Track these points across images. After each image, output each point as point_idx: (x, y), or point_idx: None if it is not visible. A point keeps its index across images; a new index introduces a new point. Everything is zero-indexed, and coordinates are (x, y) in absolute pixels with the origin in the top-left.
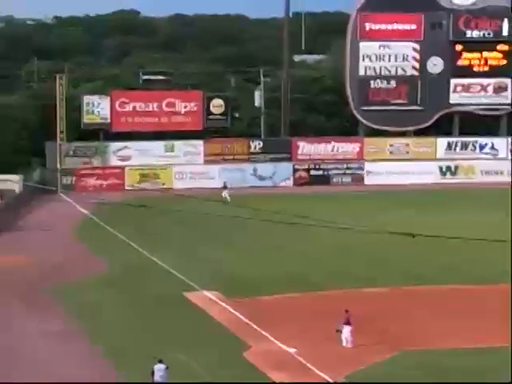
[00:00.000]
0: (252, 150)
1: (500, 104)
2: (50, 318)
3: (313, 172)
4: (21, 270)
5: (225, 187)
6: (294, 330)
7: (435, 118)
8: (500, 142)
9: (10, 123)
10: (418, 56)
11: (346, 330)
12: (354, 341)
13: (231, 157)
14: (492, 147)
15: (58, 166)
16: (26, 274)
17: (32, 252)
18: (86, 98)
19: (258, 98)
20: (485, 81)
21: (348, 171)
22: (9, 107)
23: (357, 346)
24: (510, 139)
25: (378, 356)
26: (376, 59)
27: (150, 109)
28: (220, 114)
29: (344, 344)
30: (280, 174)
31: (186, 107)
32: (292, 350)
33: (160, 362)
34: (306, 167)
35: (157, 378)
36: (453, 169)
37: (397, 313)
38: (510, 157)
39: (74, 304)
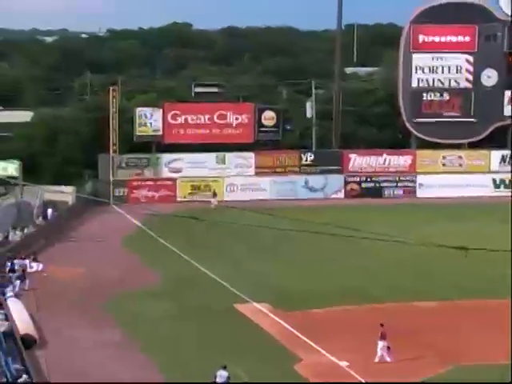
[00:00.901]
0: (303, 161)
1: None
2: (104, 330)
3: (364, 184)
4: (75, 281)
5: (214, 194)
6: (346, 343)
7: (489, 130)
8: None
9: (63, 135)
10: (471, 68)
11: (381, 345)
12: (390, 356)
13: (282, 169)
14: None
15: (111, 177)
16: (81, 285)
17: (85, 263)
18: (139, 111)
19: (309, 110)
20: None
21: (400, 184)
22: (61, 119)
23: (406, 360)
24: None
25: (429, 370)
26: (429, 71)
27: (202, 121)
28: (271, 126)
29: (377, 360)
30: (331, 186)
31: (237, 119)
32: (344, 364)
33: (224, 368)
34: (358, 180)
35: None
36: (507, 182)
37: (445, 327)
38: None
39: (127, 316)
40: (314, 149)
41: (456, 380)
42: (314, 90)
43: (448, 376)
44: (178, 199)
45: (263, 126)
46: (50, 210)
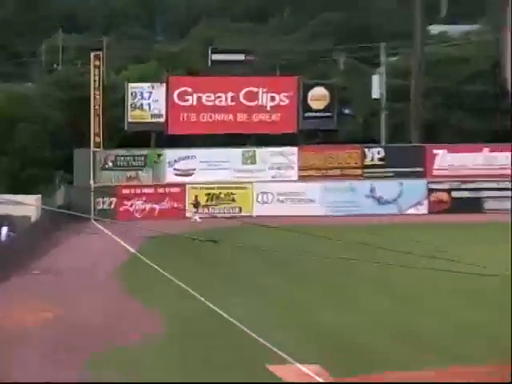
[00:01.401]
0: (368, 161)
1: None
2: None
3: (456, 194)
4: (41, 330)
5: (196, 204)
6: None
7: None
8: None
9: (23, 123)
10: None
11: None
12: None
13: (338, 171)
14: None
15: (92, 182)
16: (49, 337)
17: (56, 305)
18: (133, 87)
19: (376, 87)
20: None
21: (508, 193)
22: (22, 99)
23: None
24: None
25: None
26: None
27: (223, 102)
28: (322, 110)
29: None
30: (408, 195)
31: (273, 100)
32: None
33: None
34: (447, 187)
35: None
36: None
37: None
38: None
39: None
40: (383, 143)
41: None
42: (383, 59)
43: None
44: (188, 214)
45: (310, 109)
46: (3, 229)
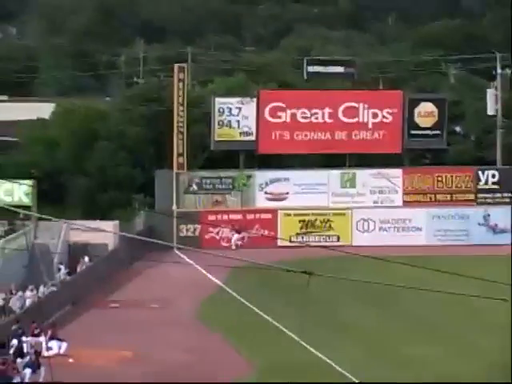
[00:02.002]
0: (482, 184)
1: None
2: None
3: None
4: (119, 370)
5: (236, 230)
6: None
7: None
8: None
9: (101, 140)
10: None
11: None
12: None
13: (447, 196)
14: None
15: (175, 207)
16: (128, 378)
17: (135, 343)
18: (220, 102)
19: (491, 102)
20: None
21: None
22: (99, 115)
23: None
24: None
25: None
26: None
27: (319, 119)
28: (430, 128)
29: None
30: None
31: (375, 116)
32: None
33: None
34: None
35: None
36: None
37: None
38: None
39: None
40: (499, 164)
41: None
42: (499, 71)
43: None
44: (280, 243)
45: (417, 126)
46: (85, 259)
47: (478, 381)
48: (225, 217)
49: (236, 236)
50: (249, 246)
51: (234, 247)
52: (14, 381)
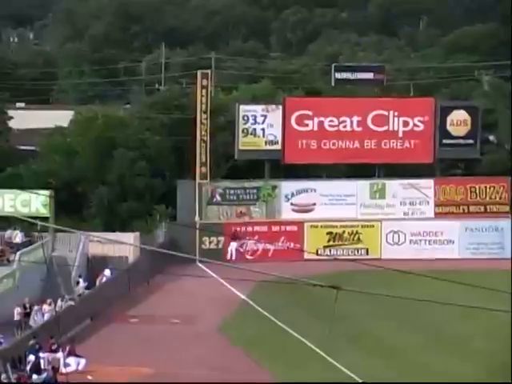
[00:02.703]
0: None
1: None
2: None
3: None
4: None
5: (235, 237)
6: None
7: None
8: None
9: (121, 149)
10: None
11: None
12: None
13: (481, 207)
14: None
15: (197, 218)
16: None
17: (156, 360)
18: (244, 110)
19: None
20: None
21: None
22: (119, 123)
23: None
24: None
25: None
26: None
27: (348, 127)
28: (463, 137)
29: None
30: None
31: (406, 124)
32: None
33: None
34: None
35: None
36: None
37: None
38: None
39: None
40: None
41: None
42: None
43: None
44: (307, 256)
45: (449, 135)
46: (106, 272)
47: None
48: (249, 229)
49: (234, 244)
50: (274, 259)
51: (233, 257)
52: None
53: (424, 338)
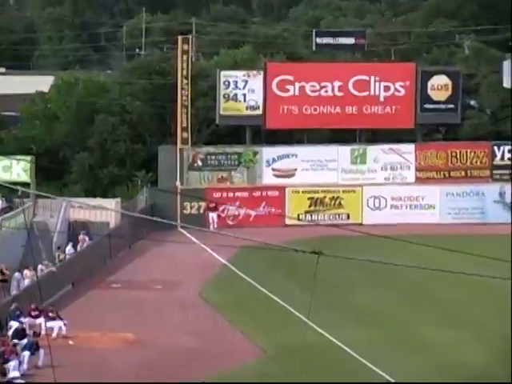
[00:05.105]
0: (498, 160)
1: None
2: None
3: None
4: (121, 354)
5: (211, 208)
6: None
7: None
8: None
9: (102, 115)
10: None
11: None
12: None
13: (462, 172)
14: None
15: (178, 184)
16: (131, 363)
17: (138, 325)
18: (226, 75)
19: (508, 75)
20: None
21: None
22: (99, 90)
23: None
24: None
25: None
26: None
27: (329, 92)
28: (444, 102)
29: None
30: None
31: (387, 90)
32: None
33: None
34: None
35: None
36: None
37: None
38: None
39: None
40: None
41: None
42: None
43: None
44: (289, 221)
45: (430, 100)
46: (83, 238)
47: (495, 363)
48: (230, 194)
49: (214, 214)
50: (255, 225)
51: (215, 225)
52: (12, 363)
53: (408, 303)
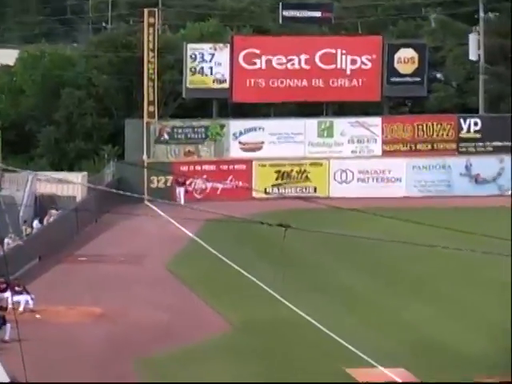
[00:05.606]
0: (464, 133)
1: None
2: None
3: None
4: (88, 328)
5: (182, 182)
6: None
7: None
8: None
9: (68, 88)
10: None
11: None
12: None
13: (428, 145)
14: None
15: (145, 157)
16: (98, 337)
17: (105, 299)
18: (192, 48)
19: (474, 48)
20: None
21: None
22: (66, 63)
23: None
24: None
25: None
26: None
27: (296, 65)
28: (410, 75)
29: None
30: (510, 174)
31: (354, 63)
32: None
33: None
34: None
35: None
36: None
37: None
38: None
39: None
40: (481, 112)
41: None
42: (482, 15)
43: None
44: (256, 194)
45: (397, 73)
46: (53, 212)
47: (469, 339)
48: (197, 168)
49: (181, 188)
50: (222, 198)
51: (182, 200)
52: None
53: (374, 278)
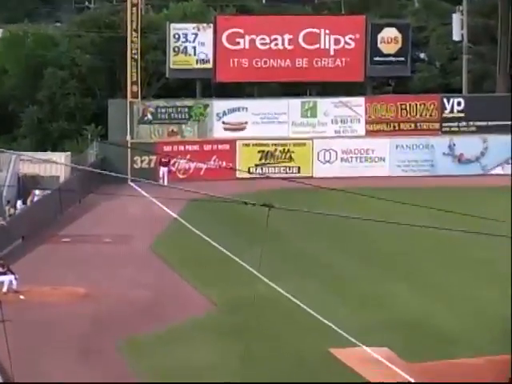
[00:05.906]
0: (447, 113)
1: None
2: None
3: None
4: (71, 308)
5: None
6: None
7: None
8: None
9: (50, 68)
10: None
11: None
12: None
13: (412, 125)
14: None
15: (128, 138)
16: (81, 317)
17: (88, 279)
18: (175, 28)
19: (457, 28)
20: None
21: None
22: (48, 43)
23: None
24: None
25: None
26: None
27: (279, 45)
28: (394, 54)
29: None
30: (493, 153)
31: (337, 43)
32: None
33: None
34: None
35: None
36: None
37: None
38: None
39: (162, 371)
40: (465, 92)
41: None
42: None
43: None
44: (239, 175)
45: (381, 53)
46: (36, 192)
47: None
48: (181, 148)
49: (164, 168)
50: (206, 178)
51: (165, 181)
52: None
53: (359, 257)
